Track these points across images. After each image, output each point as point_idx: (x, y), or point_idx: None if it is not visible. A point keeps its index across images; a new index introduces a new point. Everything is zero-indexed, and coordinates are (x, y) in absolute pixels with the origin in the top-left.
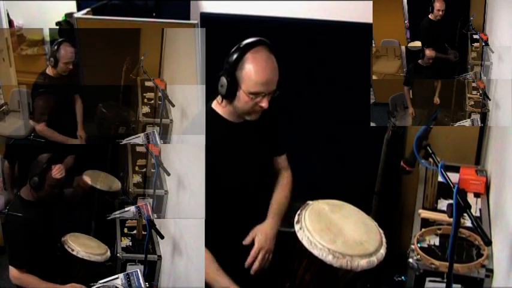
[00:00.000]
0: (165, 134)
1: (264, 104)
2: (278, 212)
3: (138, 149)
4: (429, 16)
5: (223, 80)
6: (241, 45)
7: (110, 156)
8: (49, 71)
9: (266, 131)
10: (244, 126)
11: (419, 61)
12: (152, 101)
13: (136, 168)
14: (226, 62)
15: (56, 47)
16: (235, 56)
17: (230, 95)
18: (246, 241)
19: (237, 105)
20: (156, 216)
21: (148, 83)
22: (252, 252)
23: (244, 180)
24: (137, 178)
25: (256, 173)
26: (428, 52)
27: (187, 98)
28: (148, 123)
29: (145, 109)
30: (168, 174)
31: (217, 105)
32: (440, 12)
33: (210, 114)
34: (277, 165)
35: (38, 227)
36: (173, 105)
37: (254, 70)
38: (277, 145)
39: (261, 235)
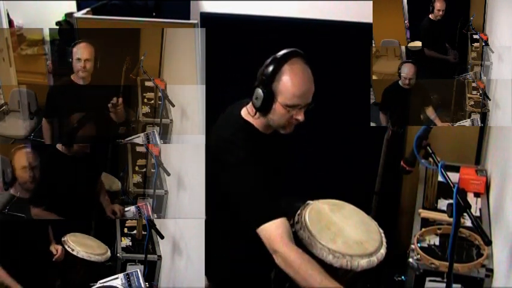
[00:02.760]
0: (165, 134)
1: (300, 117)
2: None
3: (138, 149)
4: (429, 16)
5: (259, 92)
6: (277, 57)
7: (110, 156)
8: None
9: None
10: (275, 137)
11: (400, 82)
12: (152, 101)
13: (136, 168)
14: (261, 73)
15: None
16: (271, 67)
17: (265, 108)
18: None
19: (272, 118)
20: (156, 216)
21: (148, 83)
22: None
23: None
24: (137, 178)
25: (279, 182)
26: (407, 71)
27: (187, 98)
28: (148, 123)
29: (146, 109)
30: (168, 174)
31: (248, 116)
32: (441, 12)
33: (245, 125)
34: None
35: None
36: (173, 105)
37: (292, 82)
38: None
39: None
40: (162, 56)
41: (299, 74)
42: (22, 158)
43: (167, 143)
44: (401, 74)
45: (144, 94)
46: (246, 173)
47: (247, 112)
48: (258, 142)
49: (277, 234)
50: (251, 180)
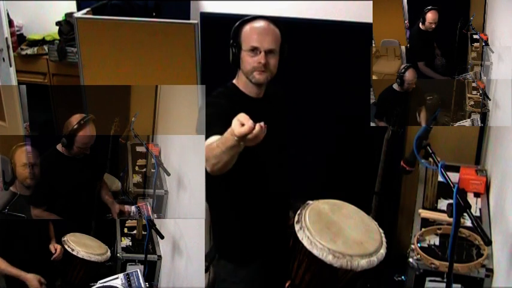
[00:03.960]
0: (159, 207)
1: (263, 60)
2: None
3: (138, 149)
4: (420, 25)
5: (230, 51)
6: (243, 19)
7: (110, 156)
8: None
9: (282, 111)
10: (264, 102)
11: (395, 87)
12: (144, 169)
13: (136, 168)
14: (231, 36)
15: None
16: (237, 26)
17: (236, 60)
18: None
19: (243, 70)
20: (156, 216)
21: (140, 148)
22: None
23: (263, 159)
24: (137, 178)
25: (276, 153)
26: (411, 78)
27: (184, 164)
28: (129, 261)
29: (137, 178)
30: (168, 174)
31: (237, 81)
32: (433, 25)
33: (232, 88)
34: None
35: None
36: (168, 174)
37: (250, 29)
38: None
39: None
40: (156, 116)
41: (258, 24)
42: (22, 156)
43: (161, 218)
44: (405, 80)
45: (135, 161)
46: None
47: (236, 79)
48: (244, 105)
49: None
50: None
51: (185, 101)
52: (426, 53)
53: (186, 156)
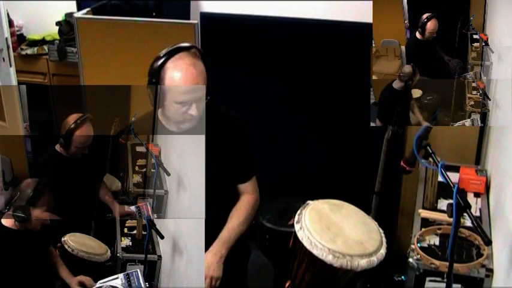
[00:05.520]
0: (159, 207)
1: (194, 111)
2: (226, 238)
3: (138, 148)
4: (416, 35)
5: (148, 89)
6: (160, 55)
7: (110, 156)
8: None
9: (228, 151)
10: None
11: (395, 85)
12: (144, 169)
13: (137, 168)
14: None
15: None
16: (157, 66)
17: (156, 102)
18: None
19: (168, 116)
20: (156, 216)
21: (140, 148)
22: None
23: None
24: (137, 178)
25: (210, 196)
26: (408, 71)
27: (184, 164)
28: (129, 261)
29: (137, 178)
30: (168, 174)
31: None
32: (434, 35)
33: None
34: (241, 190)
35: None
36: (168, 174)
37: (174, 75)
38: (242, 171)
39: (204, 263)
40: (157, 115)
41: (183, 67)
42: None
43: (161, 218)
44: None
45: (135, 161)
46: None
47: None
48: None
49: None
50: None
51: None
52: (428, 65)
53: (186, 156)
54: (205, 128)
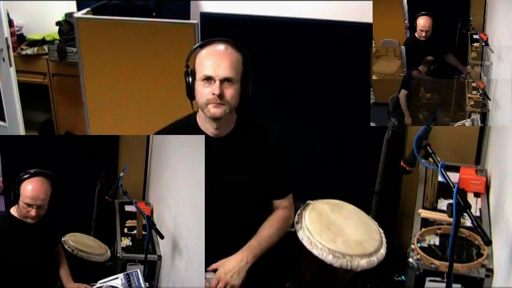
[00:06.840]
0: (152, 274)
1: (217, 90)
2: (253, 247)
3: (127, 208)
4: (415, 34)
5: (185, 79)
6: (199, 44)
7: (95, 217)
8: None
9: (263, 163)
10: (228, 143)
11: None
12: (134, 231)
13: (125, 230)
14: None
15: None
16: (191, 50)
17: (190, 90)
18: (209, 268)
19: (198, 102)
20: (147, 285)
21: (129, 208)
22: (212, 284)
23: (218, 214)
24: (126, 241)
25: (237, 208)
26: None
27: (179, 226)
28: (129, 261)
29: (126, 242)
30: (162, 237)
31: (198, 116)
32: (423, 33)
33: (189, 120)
34: (275, 205)
35: None
36: (162, 237)
37: (205, 53)
38: (279, 186)
39: (223, 268)
40: (148, 170)
41: (215, 48)
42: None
43: (154, 286)
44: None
45: (124, 222)
46: None
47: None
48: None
49: None
50: None
51: (184, 149)
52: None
53: (182, 216)
54: (242, 137)
